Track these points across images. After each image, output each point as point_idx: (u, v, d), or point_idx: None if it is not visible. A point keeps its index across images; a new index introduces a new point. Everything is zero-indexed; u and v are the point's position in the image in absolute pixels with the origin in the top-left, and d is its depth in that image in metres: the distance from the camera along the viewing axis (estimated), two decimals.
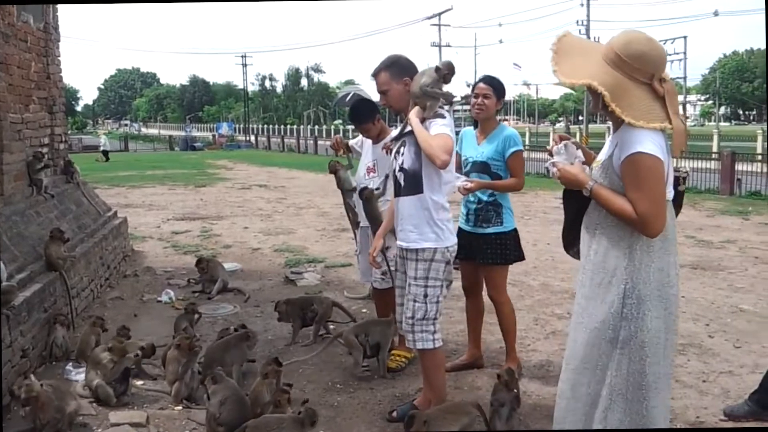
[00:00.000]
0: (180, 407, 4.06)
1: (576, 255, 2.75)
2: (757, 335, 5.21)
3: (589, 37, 40.77)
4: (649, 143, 2.36)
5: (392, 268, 4.04)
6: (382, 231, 3.95)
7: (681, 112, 2.59)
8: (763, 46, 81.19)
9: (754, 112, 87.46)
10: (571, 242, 2.80)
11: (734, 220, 11.12)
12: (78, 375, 4.52)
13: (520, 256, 4.37)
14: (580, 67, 2.45)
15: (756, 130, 25.61)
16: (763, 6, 2.94)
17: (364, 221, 4.75)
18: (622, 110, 2.35)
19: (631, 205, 2.37)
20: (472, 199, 4.27)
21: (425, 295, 3.49)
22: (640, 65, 2.38)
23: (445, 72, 3.42)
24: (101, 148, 35.03)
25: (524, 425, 3.68)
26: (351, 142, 5.08)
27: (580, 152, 2.62)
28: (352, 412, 3.98)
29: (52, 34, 6.99)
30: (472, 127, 4.49)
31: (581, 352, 2.59)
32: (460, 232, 4.29)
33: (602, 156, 2.57)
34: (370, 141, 4.71)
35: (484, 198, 4.24)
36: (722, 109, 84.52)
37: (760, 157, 17.81)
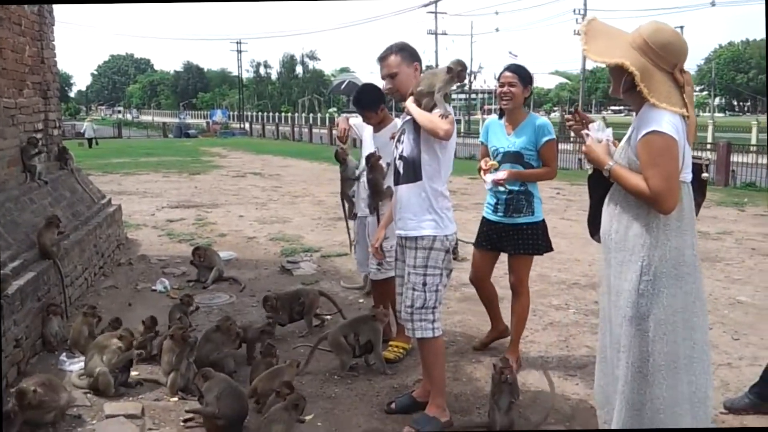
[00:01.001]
0: (175, 398, 4.02)
1: (600, 239, 2.82)
2: (755, 327, 5.20)
3: None
4: (666, 123, 2.45)
5: (390, 259, 3.99)
6: (384, 223, 3.91)
7: None
8: (759, 37, 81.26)
9: (749, 103, 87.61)
10: (597, 227, 2.87)
11: (730, 211, 11.11)
12: (72, 365, 4.48)
13: (549, 246, 4.35)
14: (610, 48, 2.54)
15: (750, 121, 25.62)
16: None
17: (361, 211, 4.70)
18: (649, 91, 2.46)
19: (645, 182, 2.46)
20: (502, 188, 4.20)
21: (424, 284, 3.45)
22: (665, 54, 2.49)
23: (459, 69, 3.39)
24: (85, 135, 34.65)
25: (523, 417, 3.65)
26: (352, 121, 4.97)
27: (609, 131, 2.74)
28: (351, 403, 3.95)
29: (47, 18, 6.89)
30: (497, 117, 4.39)
31: (611, 329, 2.69)
32: (487, 223, 4.32)
33: (623, 140, 2.67)
34: (370, 129, 4.64)
35: (515, 188, 4.19)
36: (717, 100, 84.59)
37: (754, 148, 17.86)
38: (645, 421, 2.61)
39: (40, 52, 6.75)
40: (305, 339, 4.97)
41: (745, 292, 6.13)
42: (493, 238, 4.30)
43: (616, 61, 2.49)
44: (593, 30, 2.60)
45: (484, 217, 4.41)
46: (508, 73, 4.18)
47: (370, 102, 4.47)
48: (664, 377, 2.57)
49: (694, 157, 2.69)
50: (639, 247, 2.56)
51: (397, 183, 3.58)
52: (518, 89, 4.13)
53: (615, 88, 2.63)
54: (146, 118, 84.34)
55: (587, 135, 2.77)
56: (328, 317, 5.42)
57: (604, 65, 2.60)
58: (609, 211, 2.71)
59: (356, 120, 5.01)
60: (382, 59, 3.63)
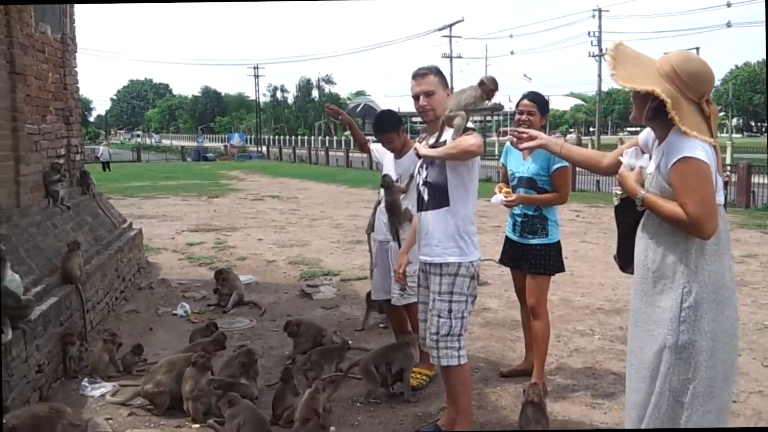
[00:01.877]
0: (197, 425, 3.98)
1: (632, 271, 2.75)
2: None
3: (600, 49, 40.77)
4: (698, 149, 2.41)
5: (412, 284, 3.95)
6: (406, 247, 3.88)
7: None
8: None
9: (767, 124, 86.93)
10: (626, 260, 2.81)
11: (753, 234, 10.96)
12: (94, 391, 4.46)
13: (561, 267, 4.44)
14: (638, 75, 2.50)
15: (763, 141, 25.40)
16: None
17: (381, 235, 4.66)
18: (681, 119, 2.41)
19: (682, 208, 2.42)
20: (517, 212, 4.39)
21: (450, 311, 3.41)
22: (693, 84, 2.46)
23: (490, 87, 3.38)
24: (100, 159, 34.94)
25: None
26: (373, 146, 4.99)
27: (645, 158, 2.67)
28: (374, 431, 3.89)
29: (69, 45, 6.98)
30: None
31: (643, 359, 2.61)
32: (507, 241, 4.53)
33: (651, 168, 2.61)
34: (391, 155, 4.63)
35: (530, 212, 4.35)
36: (734, 121, 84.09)
37: None
38: None
39: (63, 78, 6.83)
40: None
41: None
42: (513, 256, 4.49)
43: (646, 87, 2.44)
44: (621, 55, 2.55)
45: (506, 236, 4.59)
46: (527, 102, 4.30)
47: (392, 124, 4.47)
48: (701, 403, 2.51)
49: None
50: (679, 274, 2.51)
51: (422, 209, 3.56)
52: (536, 117, 4.28)
53: (637, 115, 2.58)
54: (165, 141, 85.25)
55: (622, 161, 2.74)
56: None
57: (627, 89, 2.56)
58: (643, 242, 2.65)
59: (377, 145, 5.01)
60: (423, 75, 3.60)
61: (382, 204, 4.53)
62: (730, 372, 2.57)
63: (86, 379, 4.62)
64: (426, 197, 3.52)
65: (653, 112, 2.49)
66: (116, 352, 4.80)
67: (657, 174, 2.55)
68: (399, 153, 4.53)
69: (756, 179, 15.66)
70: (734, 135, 54.65)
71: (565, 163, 4.27)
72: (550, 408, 4.08)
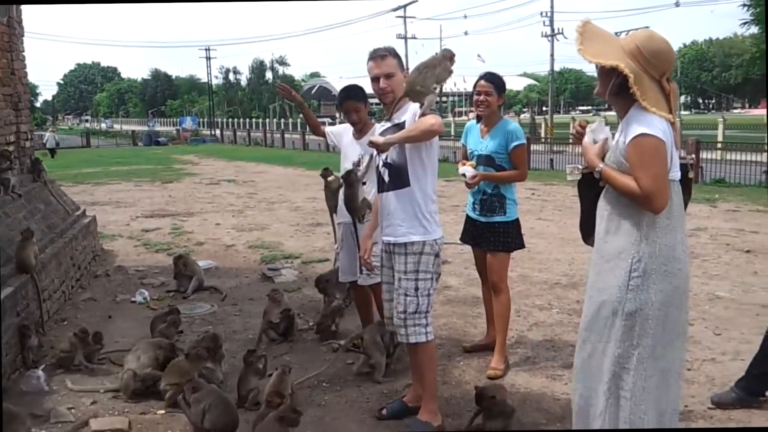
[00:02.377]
0: (162, 411, 3.96)
1: (593, 243, 2.84)
2: (735, 322, 5.28)
3: (553, 29, 41.17)
4: (654, 126, 2.51)
5: (379, 263, 3.97)
6: (369, 231, 3.89)
7: None
8: (721, 36, 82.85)
9: (713, 101, 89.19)
10: (588, 232, 2.91)
11: (702, 208, 11.27)
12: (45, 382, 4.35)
13: (521, 244, 4.52)
14: (605, 51, 2.59)
15: (716, 118, 26.07)
16: None
17: (344, 217, 4.65)
18: (642, 95, 2.51)
19: (636, 182, 2.51)
20: (477, 190, 4.43)
21: (416, 288, 3.46)
22: (656, 61, 2.55)
23: (451, 56, 3.47)
24: (47, 146, 34.00)
25: (515, 419, 3.64)
26: (328, 129, 4.97)
27: (607, 130, 2.79)
28: (341, 410, 3.93)
29: (16, 29, 6.76)
30: (475, 121, 4.56)
31: (590, 325, 2.74)
32: (468, 220, 4.57)
33: (612, 143, 2.72)
34: (350, 137, 4.61)
35: (489, 190, 4.39)
36: (682, 98, 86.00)
37: (720, 145, 18.18)
38: (627, 408, 2.66)
39: (11, 63, 6.62)
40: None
41: (723, 288, 6.22)
42: (474, 234, 4.54)
43: (612, 63, 2.53)
44: (588, 32, 2.63)
45: (466, 215, 4.63)
46: (483, 82, 4.36)
47: (362, 94, 4.45)
48: (645, 368, 2.63)
49: (680, 157, 2.75)
50: (629, 244, 2.62)
51: (382, 190, 3.57)
52: (493, 98, 4.34)
53: (601, 90, 2.67)
54: (116, 126, 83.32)
55: (585, 135, 2.83)
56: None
57: (593, 64, 2.62)
58: (600, 213, 2.76)
59: (332, 128, 5.00)
60: (382, 57, 3.59)
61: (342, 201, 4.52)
62: (675, 338, 2.68)
63: (40, 372, 4.45)
64: (387, 178, 3.54)
65: (617, 87, 2.57)
66: (89, 347, 4.66)
67: (615, 149, 2.66)
68: (359, 132, 4.52)
69: (704, 155, 16.12)
70: (683, 112, 55.88)
71: (523, 141, 4.38)
72: (512, 380, 4.18)
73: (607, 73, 2.59)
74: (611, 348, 2.66)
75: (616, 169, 2.62)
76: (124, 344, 5.03)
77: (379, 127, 3.77)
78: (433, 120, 3.31)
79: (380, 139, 3.45)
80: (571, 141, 3.41)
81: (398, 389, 4.15)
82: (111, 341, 5.14)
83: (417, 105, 3.44)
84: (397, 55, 3.67)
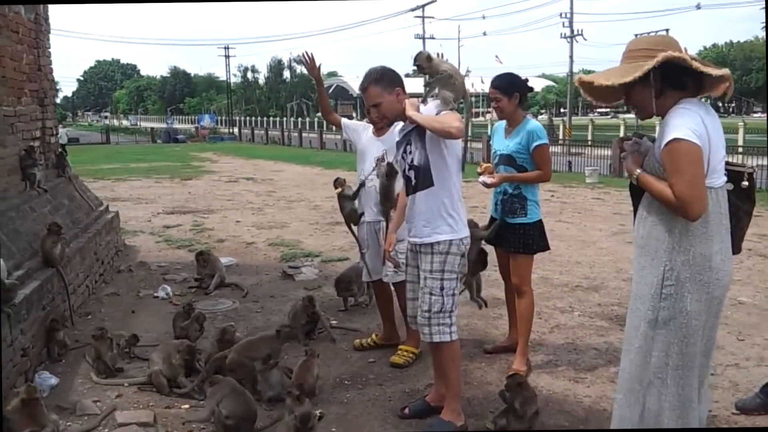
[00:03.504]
0: (187, 405, 4.00)
1: None
2: (759, 327, 5.24)
3: (572, 30, 40.95)
4: (686, 129, 2.46)
5: (402, 261, 4.00)
6: (393, 227, 3.92)
7: None
8: (742, 39, 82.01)
9: (734, 105, 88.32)
10: None
11: None
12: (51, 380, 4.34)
13: (544, 247, 4.47)
14: (623, 73, 2.57)
15: (737, 122, 25.79)
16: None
17: (369, 216, 4.66)
18: (691, 64, 2.48)
19: (671, 189, 2.48)
20: (498, 190, 4.43)
21: (441, 288, 3.47)
22: (666, 47, 2.54)
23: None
24: (59, 141, 34.23)
25: (539, 420, 3.64)
26: (345, 122, 4.92)
27: (644, 140, 2.76)
28: (363, 408, 3.94)
29: (43, 26, 6.85)
30: (504, 121, 4.52)
31: (629, 332, 2.73)
32: (492, 220, 4.54)
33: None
34: (370, 135, 4.61)
35: (510, 191, 4.37)
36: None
37: (741, 149, 17.99)
38: (656, 416, 2.65)
39: (37, 59, 6.71)
40: None
41: (746, 293, 6.17)
42: (498, 234, 4.48)
43: (638, 74, 2.50)
44: (599, 75, 2.66)
45: (490, 215, 4.61)
46: (491, 89, 4.40)
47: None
48: (681, 376, 2.61)
49: (734, 165, 2.79)
50: (661, 252, 2.59)
51: (410, 192, 3.60)
52: (504, 102, 4.33)
53: (646, 110, 2.66)
54: (128, 122, 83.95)
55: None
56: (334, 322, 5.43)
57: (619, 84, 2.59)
58: (638, 217, 2.75)
59: (349, 121, 4.96)
60: (364, 90, 3.65)
61: (372, 184, 4.50)
62: (711, 347, 2.68)
63: (45, 371, 4.44)
64: (414, 180, 3.56)
65: (659, 88, 2.55)
66: (111, 347, 4.62)
67: (652, 155, 2.63)
68: (379, 131, 4.52)
69: (726, 159, 15.91)
70: None
71: (545, 140, 4.34)
72: (533, 383, 4.17)
73: (641, 90, 2.58)
74: (650, 358, 2.63)
75: (654, 174, 2.59)
76: (148, 339, 5.10)
77: (401, 125, 3.76)
78: (457, 124, 3.31)
79: (410, 111, 3.44)
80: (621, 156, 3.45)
81: (420, 388, 4.16)
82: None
83: (430, 106, 3.46)
84: (380, 80, 3.61)
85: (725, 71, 2.52)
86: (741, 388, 4.10)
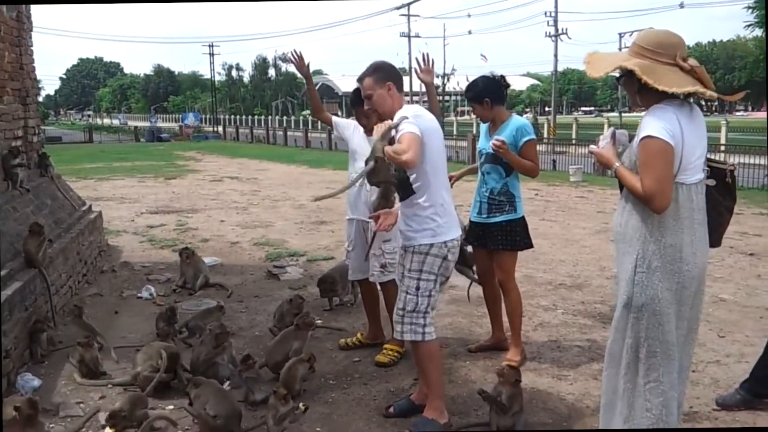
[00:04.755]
0: (171, 406, 3.99)
1: None
2: (739, 324, 5.30)
3: (557, 29, 41.17)
4: (660, 128, 2.61)
5: (391, 261, 4.04)
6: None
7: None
8: (725, 38, 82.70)
9: (716, 103, 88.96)
10: None
11: None
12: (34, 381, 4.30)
13: (528, 244, 4.52)
14: (609, 64, 2.79)
15: (719, 120, 26.02)
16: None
17: (356, 214, 4.65)
18: (654, 81, 2.61)
19: (641, 182, 2.65)
20: (484, 190, 4.45)
21: (417, 288, 3.49)
22: (662, 49, 2.68)
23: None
24: None
25: (522, 418, 3.67)
26: (335, 120, 4.89)
27: (626, 139, 2.92)
28: (348, 407, 3.95)
29: (25, 24, 6.79)
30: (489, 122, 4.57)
31: (615, 316, 2.88)
32: (472, 223, 4.55)
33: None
34: (361, 135, 4.61)
35: (498, 188, 4.39)
36: None
37: (723, 148, 18.17)
38: (640, 402, 2.79)
39: (19, 58, 6.65)
40: None
41: (727, 290, 6.24)
42: (479, 235, 4.52)
43: (615, 66, 2.72)
44: (594, 59, 2.85)
45: (470, 220, 4.60)
46: (467, 100, 4.53)
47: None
48: (660, 363, 2.74)
49: (717, 163, 2.98)
50: (635, 240, 2.75)
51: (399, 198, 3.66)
52: (478, 109, 4.43)
53: (632, 98, 2.84)
54: (117, 121, 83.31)
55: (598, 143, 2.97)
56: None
57: (602, 77, 2.86)
58: (619, 206, 2.90)
59: (339, 119, 4.94)
60: (360, 80, 3.71)
61: (366, 186, 4.47)
62: (689, 333, 2.81)
63: (26, 373, 4.39)
64: (397, 188, 3.62)
65: (638, 87, 2.69)
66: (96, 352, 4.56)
67: (631, 149, 2.79)
68: (371, 130, 4.52)
69: (709, 155, 16.06)
70: None
71: (533, 136, 4.40)
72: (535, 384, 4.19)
73: (628, 82, 2.73)
74: (625, 338, 2.79)
75: (630, 168, 2.74)
76: (131, 340, 5.08)
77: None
78: (405, 156, 3.23)
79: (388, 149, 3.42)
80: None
81: (405, 387, 4.18)
82: (118, 336, 5.19)
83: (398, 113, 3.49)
84: (373, 72, 3.64)
85: (673, 89, 2.62)
86: (722, 384, 4.15)
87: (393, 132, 3.41)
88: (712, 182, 2.89)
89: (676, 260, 2.69)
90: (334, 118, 4.93)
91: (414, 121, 3.37)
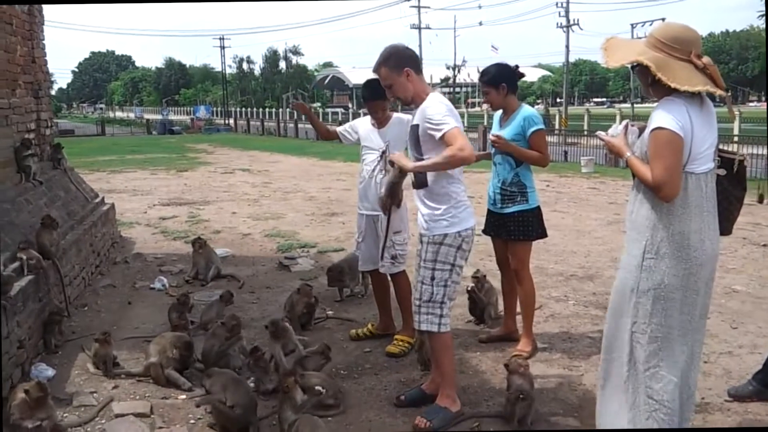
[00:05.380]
0: (183, 396, 4.03)
1: None
2: (752, 315, 5.28)
3: (568, 20, 40.92)
4: (670, 120, 2.66)
5: (402, 252, 4.05)
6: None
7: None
8: (738, 28, 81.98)
9: (729, 93, 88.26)
10: None
11: None
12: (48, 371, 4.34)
13: (542, 233, 4.54)
14: (626, 54, 2.83)
15: (733, 111, 25.80)
16: None
17: (367, 209, 4.67)
18: (668, 78, 2.66)
19: (651, 172, 2.71)
20: (497, 181, 4.46)
21: (432, 278, 3.50)
22: (678, 44, 2.72)
23: None
24: None
25: (533, 409, 3.67)
26: (339, 129, 4.95)
27: (636, 132, 2.94)
28: (359, 398, 3.97)
29: (37, 17, 6.83)
30: (500, 111, 4.57)
31: (614, 299, 2.95)
32: (489, 213, 4.60)
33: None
34: (369, 126, 4.63)
35: (509, 179, 4.40)
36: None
37: (737, 138, 18.02)
38: (642, 389, 2.84)
39: (31, 51, 6.69)
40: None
41: (740, 281, 6.21)
42: (495, 225, 4.56)
43: (632, 59, 2.75)
44: (611, 45, 2.89)
45: (488, 208, 4.64)
46: (480, 84, 4.51)
47: (381, 91, 4.30)
48: (661, 347, 2.79)
49: (728, 153, 3.02)
50: (644, 228, 2.81)
51: (413, 188, 3.68)
52: (492, 94, 4.40)
53: (645, 89, 2.88)
54: (129, 114, 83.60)
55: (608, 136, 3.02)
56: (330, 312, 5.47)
57: (619, 67, 2.96)
58: (631, 194, 2.95)
59: (344, 127, 4.93)
60: (375, 71, 3.64)
61: (378, 178, 4.50)
62: (694, 320, 2.81)
63: (41, 363, 4.45)
64: (412, 177, 3.64)
65: (651, 79, 2.73)
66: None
67: (642, 140, 2.84)
68: (380, 123, 4.55)
69: (721, 146, 15.94)
70: None
71: (541, 126, 4.40)
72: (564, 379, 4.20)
73: (642, 72, 2.76)
74: (629, 322, 2.84)
75: (641, 158, 2.80)
76: (144, 330, 5.12)
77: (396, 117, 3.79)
78: (460, 152, 3.28)
79: (409, 165, 3.52)
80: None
81: (416, 378, 4.19)
82: (131, 327, 5.24)
83: (425, 104, 3.49)
84: (387, 60, 3.54)
85: (685, 87, 2.66)
86: (734, 375, 4.14)
87: (428, 125, 3.42)
88: (722, 172, 2.93)
89: (684, 247, 2.75)
90: (339, 130, 4.94)
91: (451, 114, 3.42)
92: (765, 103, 72.77)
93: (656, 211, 2.77)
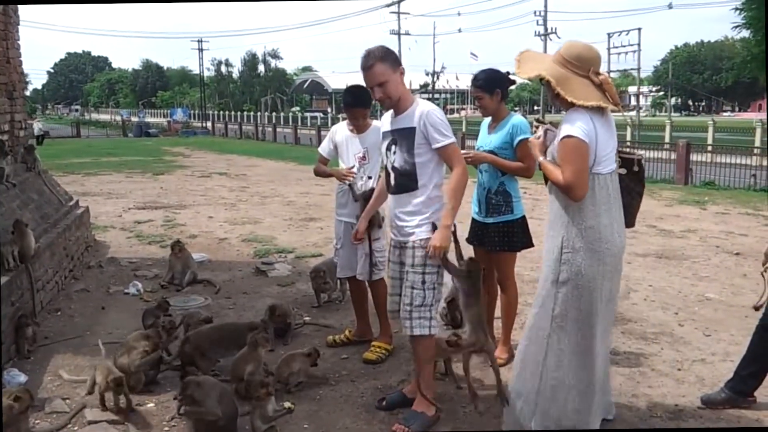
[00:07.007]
0: (152, 404, 3.97)
1: None
2: (725, 323, 5.34)
3: (546, 28, 41.33)
4: (576, 129, 2.99)
5: (381, 259, 4.07)
6: (366, 214, 3.99)
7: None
8: (713, 38, 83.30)
9: (704, 103, 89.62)
10: None
11: (692, 210, 11.37)
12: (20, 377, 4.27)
13: (527, 243, 4.44)
14: (534, 67, 3.16)
15: (706, 121, 26.22)
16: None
17: (345, 216, 4.67)
18: (566, 93, 3.03)
19: (561, 175, 3.02)
20: (482, 189, 4.39)
21: (423, 282, 3.51)
22: (579, 62, 3.07)
23: None
24: (34, 134, 33.70)
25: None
26: (323, 154, 4.82)
27: (540, 130, 3.35)
28: (336, 404, 3.95)
29: (12, 17, 6.75)
30: (489, 118, 4.49)
31: (539, 289, 3.26)
32: (473, 221, 4.50)
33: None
34: (346, 132, 4.63)
35: (494, 188, 4.33)
36: (673, 100, 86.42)
37: (710, 148, 18.32)
38: (565, 366, 3.15)
39: (6, 52, 6.61)
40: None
41: (712, 289, 6.29)
42: (478, 235, 4.46)
43: (535, 74, 3.09)
44: (524, 57, 3.23)
45: (472, 217, 4.54)
46: (472, 89, 4.42)
47: (369, 100, 4.35)
48: (579, 328, 3.12)
49: (627, 153, 3.40)
50: (560, 225, 3.13)
51: (390, 191, 3.66)
52: (486, 99, 4.33)
53: (550, 97, 3.19)
54: (104, 116, 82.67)
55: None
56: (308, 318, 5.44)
57: (526, 79, 3.30)
58: (549, 195, 3.25)
59: (324, 146, 4.85)
60: (370, 68, 3.47)
61: (358, 185, 4.55)
62: (604, 304, 3.14)
63: (13, 368, 4.38)
64: (393, 181, 3.61)
65: (554, 92, 3.08)
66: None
67: (553, 146, 3.17)
68: (359, 129, 4.55)
69: (694, 157, 16.23)
70: (673, 114, 56.10)
71: (528, 135, 4.21)
72: (504, 378, 4.20)
73: (548, 85, 3.09)
74: (550, 309, 3.13)
75: (552, 162, 3.13)
76: (118, 336, 5.05)
77: (386, 118, 3.74)
78: (465, 176, 3.47)
79: (446, 243, 3.46)
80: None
81: (393, 384, 4.18)
82: (104, 332, 5.17)
83: (423, 108, 3.51)
84: (385, 57, 3.49)
85: (581, 102, 3.01)
86: (707, 382, 4.18)
87: (433, 129, 3.50)
88: (623, 171, 3.29)
89: (596, 240, 3.06)
90: (323, 155, 4.80)
91: (438, 115, 3.55)
92: (739, 113, 74.08)
93: (569, 209, 3.09)
